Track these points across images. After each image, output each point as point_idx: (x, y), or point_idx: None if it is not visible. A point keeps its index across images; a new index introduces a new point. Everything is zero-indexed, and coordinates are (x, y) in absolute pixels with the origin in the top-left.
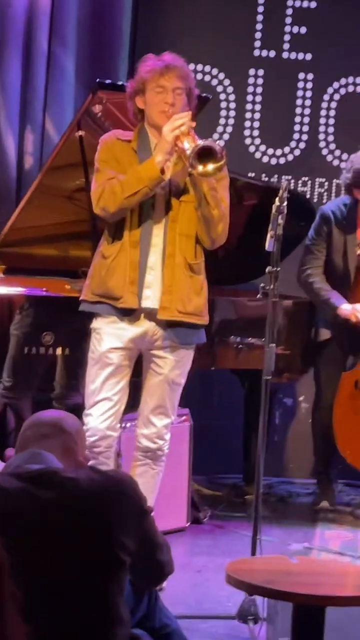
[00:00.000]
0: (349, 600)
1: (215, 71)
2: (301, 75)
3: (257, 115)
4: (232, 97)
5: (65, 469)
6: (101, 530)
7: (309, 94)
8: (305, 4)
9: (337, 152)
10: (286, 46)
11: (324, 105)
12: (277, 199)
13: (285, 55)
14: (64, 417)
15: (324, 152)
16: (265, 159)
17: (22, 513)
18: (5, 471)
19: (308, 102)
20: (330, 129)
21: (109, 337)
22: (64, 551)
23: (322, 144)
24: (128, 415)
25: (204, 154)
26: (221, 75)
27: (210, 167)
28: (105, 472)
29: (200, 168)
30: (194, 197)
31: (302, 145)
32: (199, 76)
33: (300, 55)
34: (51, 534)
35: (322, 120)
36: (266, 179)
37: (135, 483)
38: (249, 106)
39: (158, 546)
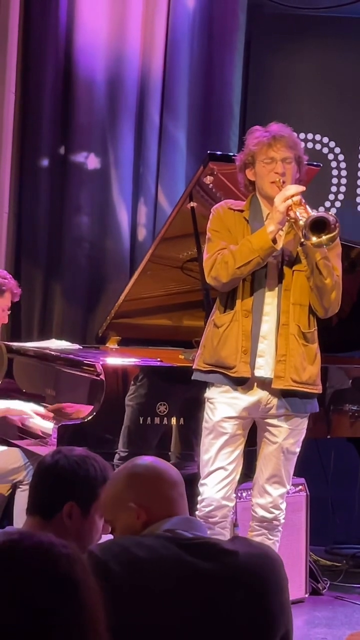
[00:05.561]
0: None
1: (325, 139)
2: None
3: None
4: (343, 164)
5: (223, 541)
6: (258, 607)
7: None
8: None
9: None
10: None
11: None
12: None
13: None
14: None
15: None
16: None
17: (176, 580)
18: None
19: None
20: None
21: (223, 406)
22: (216, 624)
23: None
24: (243, 484)
25: (318, 225)
26: (332, 144)
27: (324, 237)
28: (261, 548)
29: (314, 239)
30: (306, 266)
31: None
32: (310, 145)
33: None
34: (203, 604)
35: None
36: None
37: (282, 560)
38: None
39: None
